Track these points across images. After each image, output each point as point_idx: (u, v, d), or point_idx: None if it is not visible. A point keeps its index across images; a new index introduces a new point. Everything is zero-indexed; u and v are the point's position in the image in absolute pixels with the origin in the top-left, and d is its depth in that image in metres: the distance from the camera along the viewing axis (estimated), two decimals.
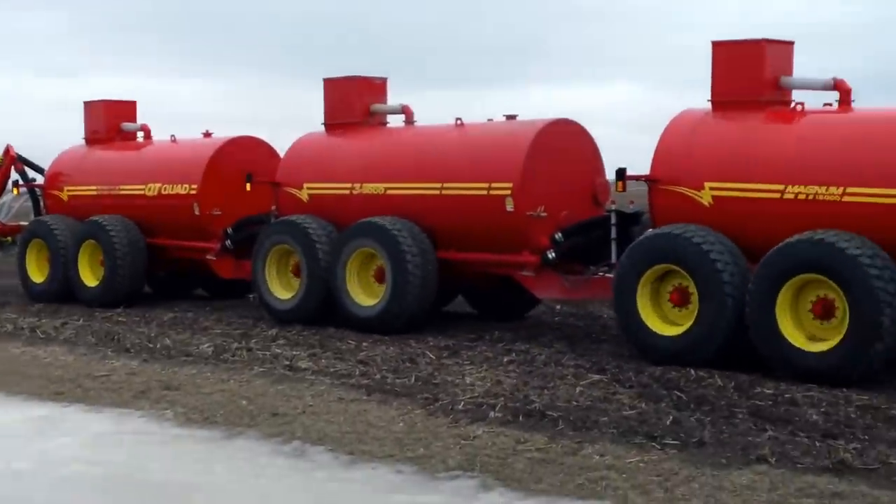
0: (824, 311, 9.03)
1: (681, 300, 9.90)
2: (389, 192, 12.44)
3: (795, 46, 10.46)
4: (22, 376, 10.43)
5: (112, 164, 15.89)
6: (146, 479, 7.09)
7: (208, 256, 14.44)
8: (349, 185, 12.80)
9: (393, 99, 13.54)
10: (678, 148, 10.34)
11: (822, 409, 8.09)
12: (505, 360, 10.33)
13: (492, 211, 11.56)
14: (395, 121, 13.44)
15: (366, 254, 12.18)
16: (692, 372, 9.38)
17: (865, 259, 8.69)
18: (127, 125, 16.33)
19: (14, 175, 17.14)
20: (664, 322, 10.00)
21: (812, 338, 9.12)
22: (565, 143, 11.86)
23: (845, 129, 9.81)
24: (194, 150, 15.01)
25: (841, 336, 8.84)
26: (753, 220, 9.72)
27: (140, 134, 16.34)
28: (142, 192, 15.15)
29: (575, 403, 8.44)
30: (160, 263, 15.36)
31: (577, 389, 8.90)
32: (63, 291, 15.28)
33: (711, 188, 9.98)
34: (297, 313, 12.69)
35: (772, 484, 6.41)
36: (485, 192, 11.64)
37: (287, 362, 10.49)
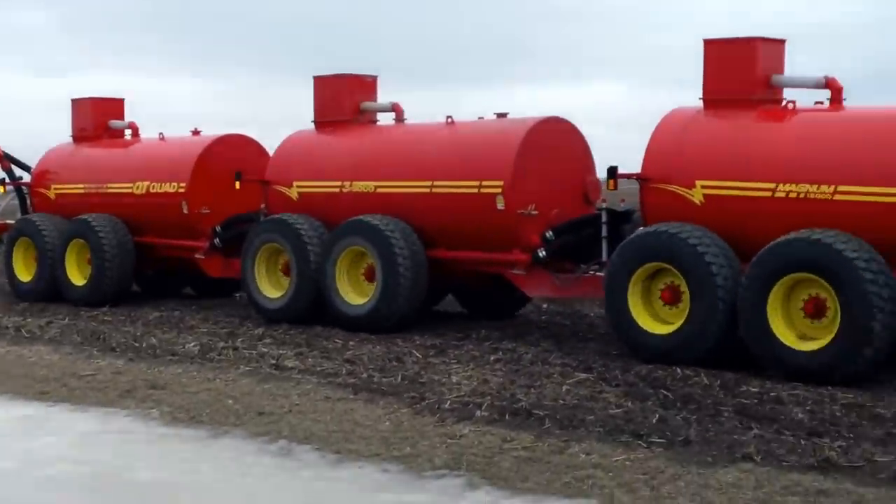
0: (816, 310, 9.04)
1: (672, 299, 9.90)
2: (380, 190, 12.42)
3: (793, 45, 10.48)
4: (6, 375, 10.39)
5: (100, 162, 15.82)
6: (132, 479, 7.07)
7: (197, 255, 14.39)
8: (339, 184, 12.77)
9: (383, 97, 13.55)
10: (669, 146, 10.33)
11: (808, 408, 8.11)
12: (492, 358, 10.33)
13: (482, 209, 11.55)
14: (385, 119, 13.43)
15: (356, 252, 12.16)
16: (678, 371, 9.40)
17: (861, 263, 8.67)
18: (115, 123, 16.25)
19: (0, 173, 17.06)
20: (655, 320, 10.00)
21: (802, 336, 9.13)
22: (556, 141, 11.86)
23: (837, 127, 9.82)
24: (183, 148, 14.96)
25: (832, 335, 8.85)
26: (745, 218, 9.72)
27: (128, 132, 16.27)
28: (130, 191, 15.09)
29: (561, 402, 8.45)
30: (148, 262, 15.31)
31: (564, 388, 8.91)
32: (50, 290, 15.22)
33: (703, 186, 9.98)
34: (287, 312, 12.67)
35: (757, 482, 6.43)
36: (475, 191, 11.63)
37: (273, 361, 10.47)
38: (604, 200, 11.40)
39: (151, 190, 14.83)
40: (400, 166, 12.33)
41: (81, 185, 15.70)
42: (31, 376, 10.31)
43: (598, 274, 11.02)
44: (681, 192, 10.10)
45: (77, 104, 16.46)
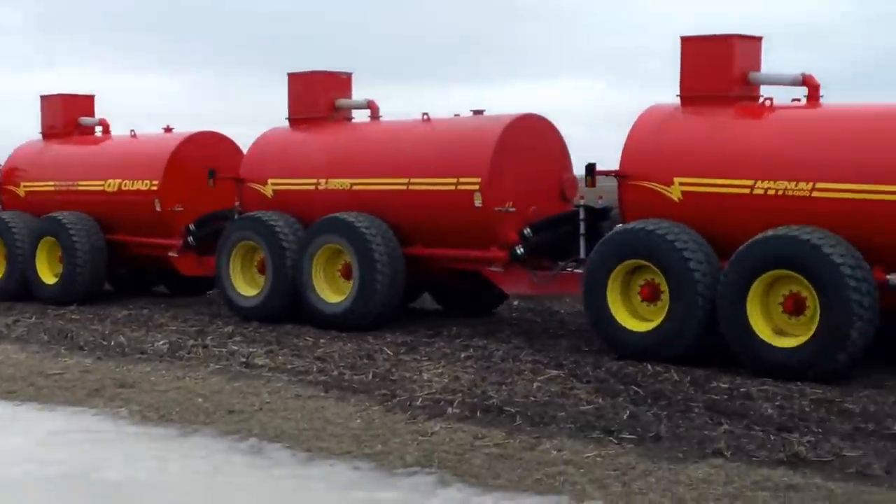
0: (795, 307, 9.06)
1: (651, 296, 9.89)
2: (356, 187, 12.37)
3: (769, 43, 10.50)
4: None
5: (70, 160, 15.67)
6: (100, 479, 7.00)
7: (170, 253, 14.28)
8: (314, 181, 12.71)
9: (358, 94, 13.48)
10: (647, 143, 10.31)
11: (777, 403, 8.16)
12: (463, 355, 10.33)
13: (460, 206, 11.52)
14: (361, 116, 13.38)
15: (332, 250, 12.10)
16: (649, 367, 9.43)
17: (847, 269, 8.67)
18: (85, 119, 16.12)
19: None
20: (634, 317, 9.98)
21: (779, 332, 9.14)
22: (533, 137, 11.84)
23: (814, 124, 9.84)
24: (155, 145, 14.83)
25: (810, 333, 8.86)
26: (723, 215, 9.72)
27: (98, 129, 16.14)
28: (101, 188, 14.96)
29: (532, 399, 8.46)
30: (120, 260, 15.18)
31: (535, 385, 8.91)
32: (21, 290, 15.05)
33: (681, 183, 9.98)
34: (262, 310, 12.60)
35: (727, 477, 6.46)
36: (453, 188, 11.60)
37: (243, 359, 10.42)
38: (581, 197, 11.41)
39: (123, 187, 14.71)
40: (376, 163, 12.28)
41: (52, 183, 15.55)
42: None
43: (576, 271, 11.02)
44: (659, 189, 10.10)
45: (46, 101, 16.31)
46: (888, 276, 8.91)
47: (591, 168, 10.64)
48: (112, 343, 11.54)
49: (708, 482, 6.38)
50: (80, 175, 15.26)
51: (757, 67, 10.33)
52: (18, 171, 16.14)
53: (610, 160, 10.64)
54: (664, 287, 9.72)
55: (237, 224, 13.00)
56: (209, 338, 11.68)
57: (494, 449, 7.21)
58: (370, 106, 13.16)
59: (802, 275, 8.90)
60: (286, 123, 13.53)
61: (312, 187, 12.72)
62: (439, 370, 9.63)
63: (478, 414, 8.08)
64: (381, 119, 13.11)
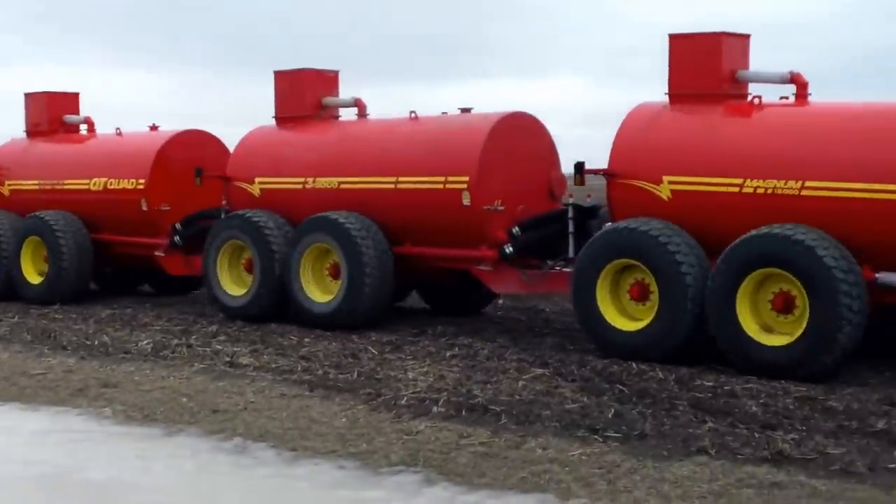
0: (785, 306, 9.06)
1: (641, 295, 9.86)
2: (343, 186, 12.34)
3: (757, 40, 10.49)
4: None
5: (55, 158, 15.58)
6: (84, 479, 6.98)
7: (156, 253, 14.22)
8: (302, 180, 12.68)
9: (345, 92, 13.45)
10: (636, 142, 10.28)
11: (761, 401, 8.19)
12: (448, 354, 10.32)
13: (448, 205, 11.49)
14: (348, 114, 13.35)
15: (320, 249, 12.07)
16: (634, 366, 9.44)
17: (840, 273, 8.66)
18: (70, 118, 16.04)
19: None
20: (624, 317, 9.95)
21: (767, 329, 9.13)
22: (521, 136, 11.82)
23: (803, 122, 9.82)
24: (141, 143, 14.76)
25: (799, 332, 8.86)
26: (712, 213, 9.69)
27: (83, 127, 16.06)
28: (86, 187, 14.88)
29: (518, 397, 8.46)
30: (106, 260, 15.11)
31: (520, 383, 8.92)
32: (6, 289, 14.96)
33: (670, 182, 9.96)
34: (250, 310, 12.56)
35: (712, 475, 6.47)
36: (441, 186, 11.57)
37: (228, 358, 10.39)
38: (570, 196, 11.40)
39: (109, 186, 14.64)
40: (364, 162, 12.25)
41: (36, 182, 15.47)
42: None
43: (565, 270, 11.02)
44: (648, 188, 10.07)
45: (31, 98, 16.22)
46: (877, 275, 8.93)
47: (579, 166, 10.61)
48: (96, 343, 11.50)
49: (692, 480, 6.40)
50: (66, 174, 15.18)
51: (745, 65, 10.33)
52: (2, 170, 16.04)
53: (585, 156, 10.69)
54: (654, 286, 9.69)
55: (224, 223, 12.96)
56: (193, 337, 11.64)
57: (480, 447, 7.21)
58: (357, 104, 13.12)
59: (794, 275, 8.88)
60: (273, 122, 13.50)
61: (300, 186, 12.69)
62: (424, 369, 9.62)
63: (463, 413, 8.08)
64: (368, 117, 13.09)
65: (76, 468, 7.18)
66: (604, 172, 10.38)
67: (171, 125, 14.97)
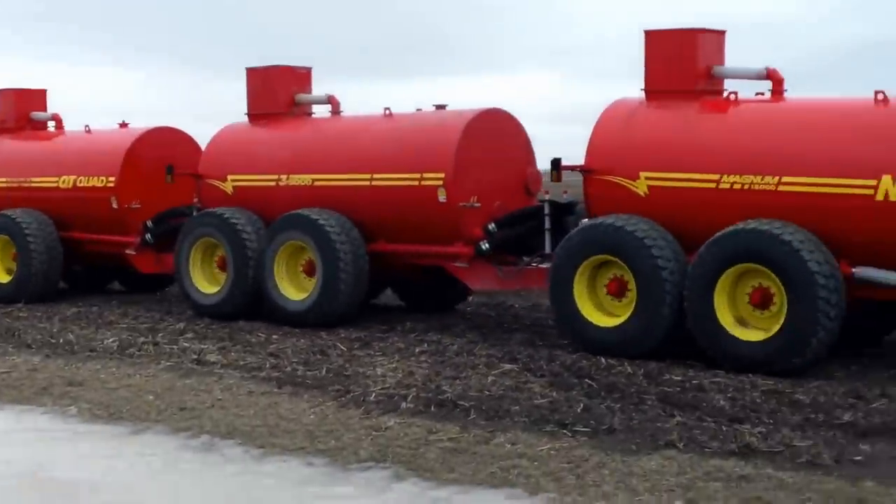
0: (762, 301, 9.08)
1: (618, 291, 9.85)
2: (317, 183, 12.28)
3: (732, 36, 10.49)
4: None
5: (23, 156, 15.41)
6: (50, 478, 6.90)
7: (127, 251, 14.10)
8: (275, 177, 12.60)
9: (317, 89, 13.38)
10: (613, 138, 10.26)
11: (729, 395, 8.23)
12: (417, 350, 10.31)
13: (424, 202, 11.45)
14: (321, 111, 13.28)
15: (294, 247, 12.00)
16: (603, 360, 9.47)
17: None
18: (37, 114, 15.86)
19: None
20: (601, 313, 9.95)
21: (742, 322, 9.15)
22: (496, 132, 11.81)
23: (779, 118, 9.84)
24: (111, 141, 14.63)
25: (778, 327, 8.89)
26: (689, 209, 9.69)
27: (51, 124, 15.89)
28: (55, 185, 14.73)
29: (487, 393, 8.46)
30: (75, 258, 14.96)
31: (489, 379, 8.92)
32: None
33: (647, 178, 9.95)
34: (223, 308, 12.47)
35: (680, 468, 6.50)
36: (416, 183, 11.53)
37: (195, 356, 10.32)
38: (546, 192, 11.40)
39: (79, 184, 14.50)
40: (338, 159, 12.19)
41: (3, 180, 15.29)
42: None
43: (541, 266, 11.02)
44: (625, 184, 10.06)
45: None
46: (853, 270, 8.99)
47: (556, 163, 10.59)
48: (61, 341, 11.39)
49: (661, 473, 6.42)
50: (34, 171, 15.02)
51: (721, 61, 10.33)
52: None
53: (557, 152, 10.68)
54: (631, 282, 9.68)
55: (197, 220, 12.86)
56: (160, 335, 11.56)
57: (449, 443, 7.20)
58: (331, 101, 13.07)
59: (773, 271, 8.90)
60: (245, 119, 13.41)
61: (273, 183, 12.61)
62: (393, 365, 9.60)
63: (432, 408, 8.06)
64: (342, 114, 13.02)
65: (41, 467, 7.10)
66: (580, 169, 10.36)
67: (141, 122, 14.89)
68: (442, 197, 11.34)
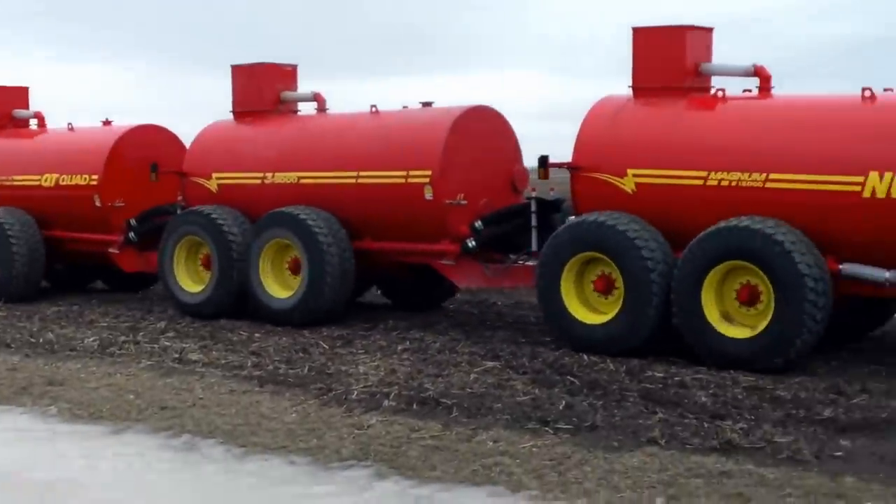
0: (750, 298, 9.07)
1: (605, 288, 9.84)
2: (303, 181, 12.22)
3: (720, 33, 10.49)
4: None
5: (4, 154, 15.26)
6: (30, 478, 6.86)
7: (110, 249, 14.02)
8: (261, 175, 12.55)
9: (303, 87, 13.35)
10: (600, 135, 10.23)
11: (711, 391, 8.25)
12: (399, 348, 10.29)
13: (410, 199, 11.41)
14: (307, 109, 13.22)
15: (280, 244, 11.94)
16: (585, 357, 9.48)
17: (811, 282, 8.67)
18: (19, 112, 15.75)
19: None
20: (588, 310, 9.93)
21: (727, 317, 9.15)
22: (483, 129, 11.77)
23: (767, 114, 9.84)
24: (94, 138, 14.53)
25: (765, 324, 8.90)
26: (677, 206, 9.68)
27: (33, 121, 15.79)
28: (37, 183, 14.63)
29: (469, 390, 8.45)
30: (58, 257, 14.86)
31: (472, 376, 8.91)
32: None
33: (634, 175, 9.92)
34: (208, 306, 12.41)
35: (662, 465, 6.51)
36: (403, 181, 11.49)
37: (176, 355, 10.28)
38: (533, 189, 11.41)
39: (61, 182, 14.40)
40: (324, 157, 12.14)
41: None
42: None
43: (528, 263, 11.01)
44: (612, 181, 10.03)
45: None
46: (840, 266, 9.01)
47: (543, 160, 10.57)
48: (41, 340, 11.32)
49: (642, 470, 6.43)
50: (16, 170, 14.91)
51: (708, 58, 10.33)
52: None
53: (542, 149, 10.67)
54: (619, 280, 9.67)
55: (182, 219, 12.80)
56: (141, 334, 11.50)
57: (431, 441, 7.19)
58: (316, 98, 13.01)
59: (763, 270, 8.91)
60: (230, 117, 13.35)
61: (258, 181, 12.56)
62: (375, 363, 9.58)
63: (414, 406, 8.05)
64: (328, 112, 12.98)
65: (21, 467, 7.05)
66: (568, 166, 10.34)
67: (125, 120, 14.80)
68: (428, 194, 11.31)
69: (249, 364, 9.77)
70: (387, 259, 12.09)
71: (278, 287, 12.01)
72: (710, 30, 10.44)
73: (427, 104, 12.11)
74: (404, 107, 12.31)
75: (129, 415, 8.21)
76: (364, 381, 8.87)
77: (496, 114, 11.97)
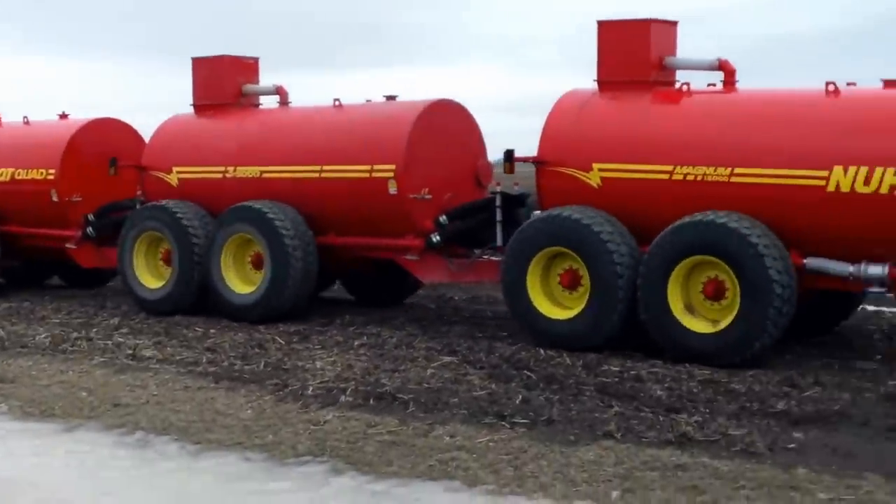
0: (715, 293, 9.12)
1: (571, 283, 9.83)
2: (266, 175, 12.12)
3: (683, 27, 10.51)
4: None
5: None
6: None
7: (68, 245, 13.84)
8: (222, 169, 12.43)
9: (265, 80, 13.22)
10: (566, 129, 10.21)
11: (666, 385, 8.30)
12: (356, 343, 10.26)
13: (374, 194, 11.35)
14: (269, 102, 13.13)
15: (242, 240, 11.85)
16: (542, 352, 9.50)
17: (778, 289, 8.71)
18: None
19: None
20: (554, 305, 9.92)
21: (690, 309, 9.20)
22: (447, 123, 11.73)
23: (732, 109, 9.86)
24: (51, 132, 14.34)
25: (731, 319, 8.94)
26: (642, 201, 9.69)
27: None
28: None
29: (426, 385, 8.44)
30: (13, 253, 14.64)
31: (428, 371, 8.90)
32: None
33: (600, 169, 9.91)
34: (168, 303, 12.28)
35: (617, 458, 6.54)
36: (367, 175, 11.42)
37: (130, 351, 10.17)
38: (497, 184, 11.38)
39: (17, 177, 14.20)
40: (287, 151, 12.05)
41: None
42: None
43: (493, 258, 10.99)
44: (578, 176, 10.02)
45: None
46: (804, 260, 9.08)
47: (509, 154, 10.52)
48: None
49: (598, 464, 6.45)
50: None
51: (673, 52, 10.35)
52: None
53: (506, 144, 10.67)
54: (585, 275, 9.67)
55: (141, 213, 12.66)
56: (94, 330, 11.37)
57: (387, 436, 7.17)
58: (279, 92, 12.91)
59: (726, 262, 8.95)
60: (191, 110, 13.22)
61: (220, 175, 12.44)
62: (332, 358, 9.54)
63: (371, 401, 8.03)
64: (290, 105, 12.87)
65: None
66: (533, 160, 10.31)
67: (82, 114, 14.59)
68: (392, 189, 11.26)
69: (204, 360, 9.69)
70: (351, 254, 12.03)
71: (240, 282, 11.92)
72: (674, 23, 10.45)
73: (391, 98, 12.05)
74: (368, 100, 12.23)
75: (81, 412, 8.10)
76: (320, 376, 8.83)
77: (460, 108, 11.94)
